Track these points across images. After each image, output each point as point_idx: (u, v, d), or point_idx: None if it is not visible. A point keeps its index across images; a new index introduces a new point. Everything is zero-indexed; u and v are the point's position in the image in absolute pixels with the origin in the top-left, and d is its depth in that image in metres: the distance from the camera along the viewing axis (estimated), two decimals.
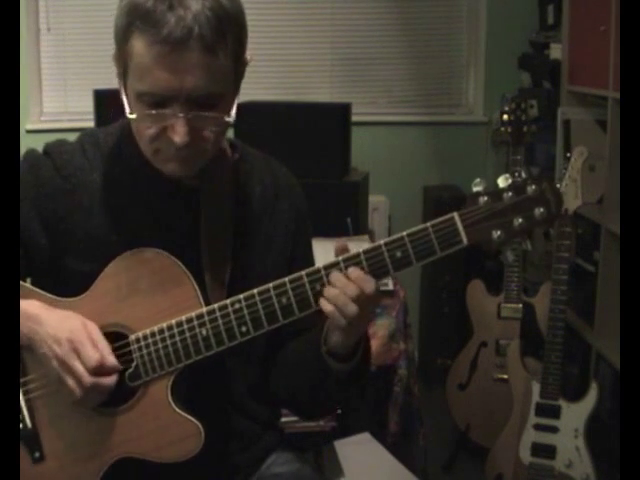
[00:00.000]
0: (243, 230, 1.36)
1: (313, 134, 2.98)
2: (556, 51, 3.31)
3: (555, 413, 2.45)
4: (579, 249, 3.04)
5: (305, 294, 1.18)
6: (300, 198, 1.47)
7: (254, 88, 3.63)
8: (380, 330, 2.54)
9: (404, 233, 1.16)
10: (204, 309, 1.22)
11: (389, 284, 2.57)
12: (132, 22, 1.16)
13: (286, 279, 1.19)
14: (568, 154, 2.48)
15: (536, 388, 2.47)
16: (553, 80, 3.32)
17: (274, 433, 1.50)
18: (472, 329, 2.97)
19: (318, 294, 1.18)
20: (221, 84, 1.20)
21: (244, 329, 1.20)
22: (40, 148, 1.38)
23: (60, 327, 1.22)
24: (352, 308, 1.16)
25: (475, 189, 1.17)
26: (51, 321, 1.23)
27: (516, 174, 1.17)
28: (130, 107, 1.22)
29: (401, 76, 3.83)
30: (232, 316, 1.20)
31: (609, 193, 2.77)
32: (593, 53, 2.93)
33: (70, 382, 1.20)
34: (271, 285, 1.19)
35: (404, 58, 3.81)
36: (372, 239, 3.09)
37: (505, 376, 2.73)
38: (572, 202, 2.44)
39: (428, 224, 1.15)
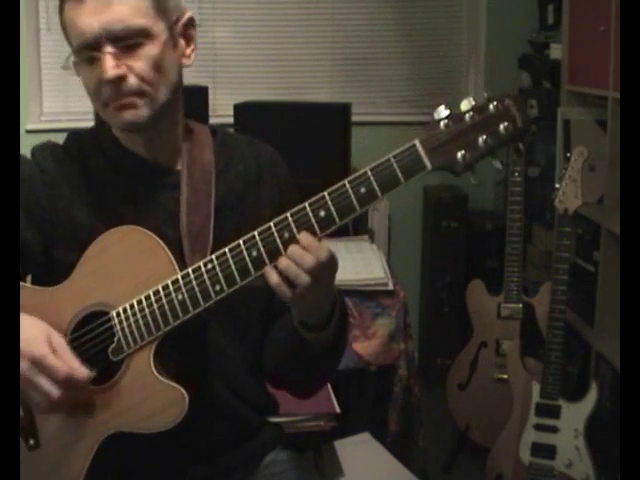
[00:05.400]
0: (226, 206, 1.37)
1: (313, 134, 2.98)
2: (556, 51, 3.31)
3: (555, 413, 2.45)
4: (579, 249, 3.04)
5: (274, 243, 1.17)
6: (284, 171, 1.47)
7: (254, 88, 3.63)
8: (380, 330, 2.54)
9: (367, 168, 1.14)
10: (179, 274, 1.22)
11: (389, 284, 2.57)
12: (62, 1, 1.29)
13: (255, 232, 1.18)
14: (568, 154, 2.49)
15: (536, 388, 2.47)
16: (553, 80, 3.32)
17: (272, 429, 1.50)
18: (472, 329, 2.97)
19: (287, 242, 1.17)
20: (140, 18, 1.25)
21: (217, 287, 1.20)
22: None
23: (22, 339, 1.18)
24: (305, 279, 1.15)
25: (437, 117, 1.14)
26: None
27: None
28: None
29: (401, 76, 3.83)
30: (205, 276, 1.20)
31: (609, 193, 2.77)
32: (593, 53, 2.93)
33: (37, 397, 1.19)
34: (241, 240, 1.19)
35: (404, 58, 3.81)
36: (372, 239, 3.09)
37: (505, 376, 2.73)
38: (572, 202, 2.45)
39: (390, 155, 1.13)
